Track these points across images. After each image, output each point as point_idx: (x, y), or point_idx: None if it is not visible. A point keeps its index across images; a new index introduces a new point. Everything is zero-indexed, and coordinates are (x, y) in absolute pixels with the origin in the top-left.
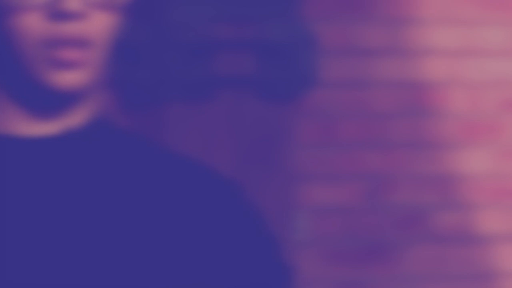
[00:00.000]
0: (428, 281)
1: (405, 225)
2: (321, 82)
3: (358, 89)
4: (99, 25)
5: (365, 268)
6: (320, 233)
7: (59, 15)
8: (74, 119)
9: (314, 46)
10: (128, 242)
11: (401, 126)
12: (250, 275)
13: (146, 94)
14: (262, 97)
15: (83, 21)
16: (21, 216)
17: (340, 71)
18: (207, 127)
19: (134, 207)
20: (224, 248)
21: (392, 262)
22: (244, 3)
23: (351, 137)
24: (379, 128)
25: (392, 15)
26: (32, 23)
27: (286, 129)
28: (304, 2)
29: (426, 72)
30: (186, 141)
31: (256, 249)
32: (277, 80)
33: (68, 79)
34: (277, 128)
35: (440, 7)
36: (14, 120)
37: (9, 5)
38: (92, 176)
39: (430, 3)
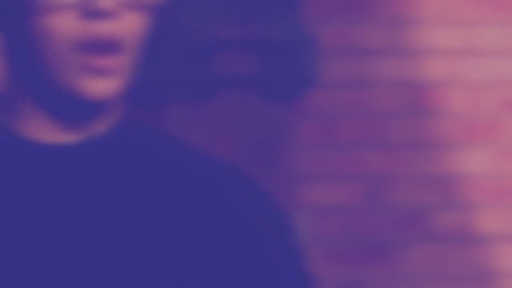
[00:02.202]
0: (428, 281)
1: (405, 225)
2: (321, 82)
3: (359, 90)
4: (130, 25)
5: (365, 268)
6: (320, 233)
7: (93, 14)
8: (99, 126)
9: (315, 47)
10: (159, 247)
11: (401, 126)
12: (275, 281)
13: (148, 94)
14: (263, 98)
15: (116, 21)
16: (49, 222)
17: (341, 71)
18: (208, 127)
19: (159, 212)
20: (250, 251)
21: (392, 262)
22: (246, 4)
23: (352, 137)
24: (379, 128)
25: (392, 15)
26: (65, 24)
27: (287, 129)
28: (305, 2)
29: (426, 72)
30: (186, 141)
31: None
32: (278, 81)
33: (101, 87)
34: (278, 128)
35: (440, 7)
36: (41, 127)
37: (40, 5)
38: (116, 182)
39: (430, 3)
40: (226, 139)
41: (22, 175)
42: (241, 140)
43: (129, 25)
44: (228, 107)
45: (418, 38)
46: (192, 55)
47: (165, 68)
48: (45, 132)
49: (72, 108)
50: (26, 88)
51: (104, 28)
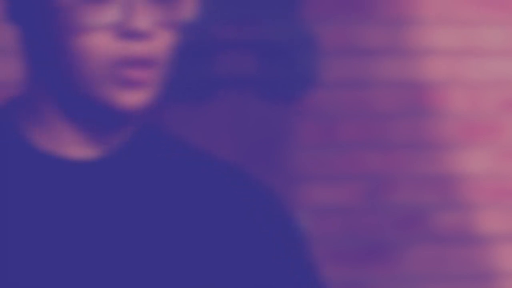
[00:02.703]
0: (428, 281)
1: (405, 225)
2: (321, 82)
3: (359, 90)
4: (163, 44)
5: (365, 268)
6: (320, 233)
7: (128, 35)
8: (121, 136)
9: (315, 47)
10: (175, 249)
11: (401, 126)
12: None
13: None
14: (263, 98)
15: (151, 40)
16: (78, 238)
17: (341, 71)
18: (208, 127)
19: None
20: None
21: (392, 262)
22: (246, 4)
23: (352, 137)
24: (379, 128)
25: (392, 15)
26: (101, 43)
27: (287, 129)
28: (305, 3)
29: (426, 72)
30: (186, 141)
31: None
32: (278, 81)
33: (133, 99)
34: (278, 128)
35: (440, 7)
36: (63, 137)
37: (78, 24)
38: (132, 190)
39: (430, 3)
40: (227, 139)
41: (38, 186)
42: (241, 140)
43: (161, 43)
44: (228, 107)
45: (418, 38)
46: (192, 55)
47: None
48: (67, 142)
49: (99, 119)
50: (53, 97)
51: (139, 47)
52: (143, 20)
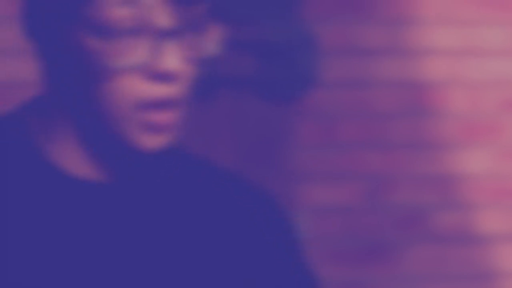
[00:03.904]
0: (428, 281)
1: (405, 225)
2: (321, 82)
3: (359, 90)
4: (187, 81)
5: (365, 268)
6: (320, 233)
7: (157, 76)
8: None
9: (315, 47)
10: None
11: (401, 126)
12: None
13: None
14: (263, 98)
15: (177, 80)
16: (80, 253)
17: (341, 71)
18: (208, 127)
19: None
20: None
21: (392, 262)
22: (245, 4)
23: (352, 137)
24: (379, 128)
25: (392, 15)
26: (129, 85)
27: (287, 129)
28: (305, 3)
29: (426, 72)
30: (186, 141)
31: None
32: (277, 81)
33: (156, 142)
34: (278, 128)
35: (440, 7)
36: (79, 161)
37: (107, 66)
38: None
39: (430, 3)
40: (227, 139)
41: (43, 197)
42: (241, 140)
43: (186, 81)
44: (228, 107)
45: (418, 38)
46: None
47: None
48: (77, 162)
49: (116, 151)
50: (71, 119)
51: (166, 89)
52: (171, 60)
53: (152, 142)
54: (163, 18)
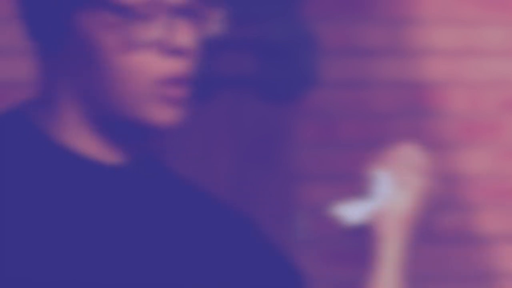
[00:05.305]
0: (428, 281)
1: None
2: (321, 82)
3: (358, 89)
4: (195, 60)
5: (365, 268)
6: (320, 233)
7: (172, 51)
8: (147, 149)
9: (315, 46)
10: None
11: (401, 126)
12: None
13: None
14: (263, 97)
15: (189, 57)
16: (100, 242)
17: (340, 71)
18: (208, 126)
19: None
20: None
21: None
22: (245, 3)
23: (351, 137)
24: (379, 128)
25: (392, 15)
26: (143, 60)
27: (287, 129)
28: (305, 2)
29: (426, 72)
30: (186, 141)
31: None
32: (277, 80)
33: (172, 115)
34: (278, 128)
35: (440, 7)
36: (90, 144)
37: (125, 42)
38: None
39: (430, 3)
40: (226, 139)
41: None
42: (241, 140)
43: (194, 60)
44: (228, 106)
45: (418, 38)
46: None
47: None
48: (88, 146)
49: (128, 132)
50: (80, 106)
51: (179, 65)
52: (185, 37)
53: (168, 116)
54: None
